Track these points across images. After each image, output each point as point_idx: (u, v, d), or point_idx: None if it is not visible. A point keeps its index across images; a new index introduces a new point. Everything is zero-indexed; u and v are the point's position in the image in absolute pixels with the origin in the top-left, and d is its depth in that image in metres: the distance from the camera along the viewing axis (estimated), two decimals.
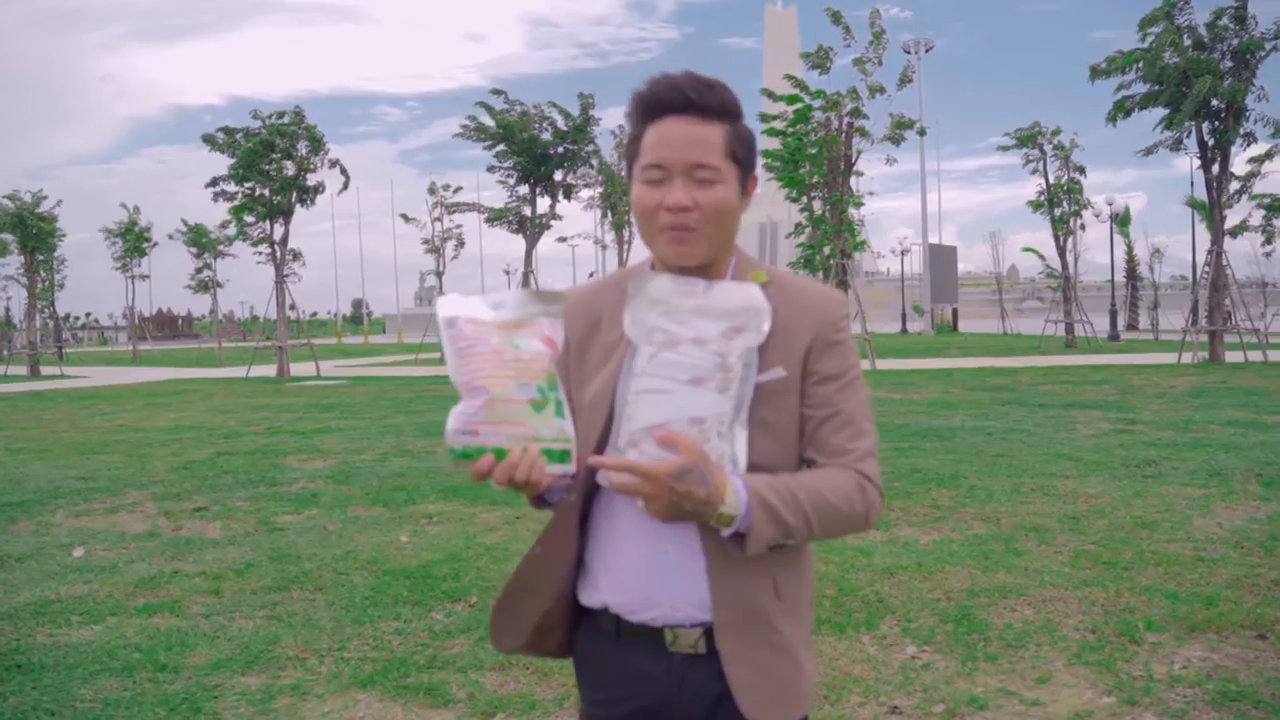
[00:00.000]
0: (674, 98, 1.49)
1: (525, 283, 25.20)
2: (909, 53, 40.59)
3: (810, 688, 1.60)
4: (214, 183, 24.14)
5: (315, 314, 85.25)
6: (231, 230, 26.89)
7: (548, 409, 1.41)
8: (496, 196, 37.03)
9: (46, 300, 33.75)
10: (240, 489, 8.31)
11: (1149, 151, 21.21)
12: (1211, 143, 20.13)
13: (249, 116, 23.91)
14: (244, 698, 3.88)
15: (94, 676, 4.10)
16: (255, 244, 25.16)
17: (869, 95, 21.31)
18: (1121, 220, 41.00)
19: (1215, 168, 20.39)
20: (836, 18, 21.63)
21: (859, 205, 23.03)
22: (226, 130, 23.67)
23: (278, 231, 24.71)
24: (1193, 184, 38.18)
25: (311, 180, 24.43)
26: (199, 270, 43.15)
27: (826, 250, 22.04)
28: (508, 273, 60.78)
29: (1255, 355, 20.62)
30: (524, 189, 26.21)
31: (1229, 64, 19.57)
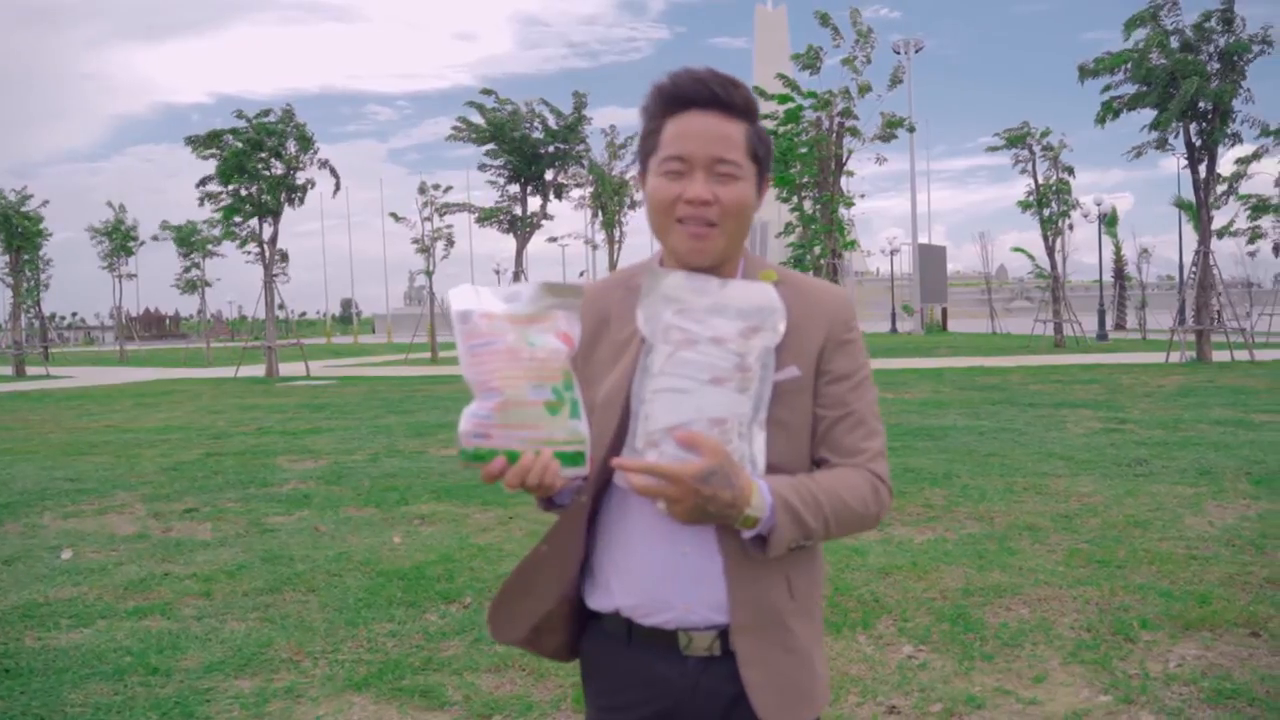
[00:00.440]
0: (699, 91, 1.49)
1: (516, 282, 25.15)
2: (899, 53, 40.69)
3: (823, 689, 1.59)
4: (204, 183, 24.01)
5: (304, 314, 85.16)
6: (220, 230, 26.71)
7: (563, 410, 1.38)
8: (486, 196, 36.99)
9: (32, 300, 33.53)
10: (230, 490, 8.27)
11: (1137, 153, 21.28)
12: (1199, 144, 20.21)
13: (234, 117, 23.78)
14: (237, 701, 3.85)
15: (84, 680, 4.06)
16: (243, 244, 25.05)
17: (859, 94, 21.34)
18: (1109, 221, 41.12)
19: (1202, 169, 20.47)
20: (825, 19, 21.67)
21: (850, 205, 23.06)
22: (213, 133, 23.53)
23: (266, 231, 24.60)
24: (1180, 185, 38.44)
25: (300, 179, 24.34)
26: (186, 270, 42.95)
27: (817, 250, 22.07)
28: (498, 272, 60.64)
29: (1242, 355, 20.72)
30: (515, 188, 26.18)
31: (1216, 65, 19.65)
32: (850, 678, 3.91)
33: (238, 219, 24.34)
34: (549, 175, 26.46)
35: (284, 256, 26.38)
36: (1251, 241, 32.42)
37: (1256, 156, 22.95)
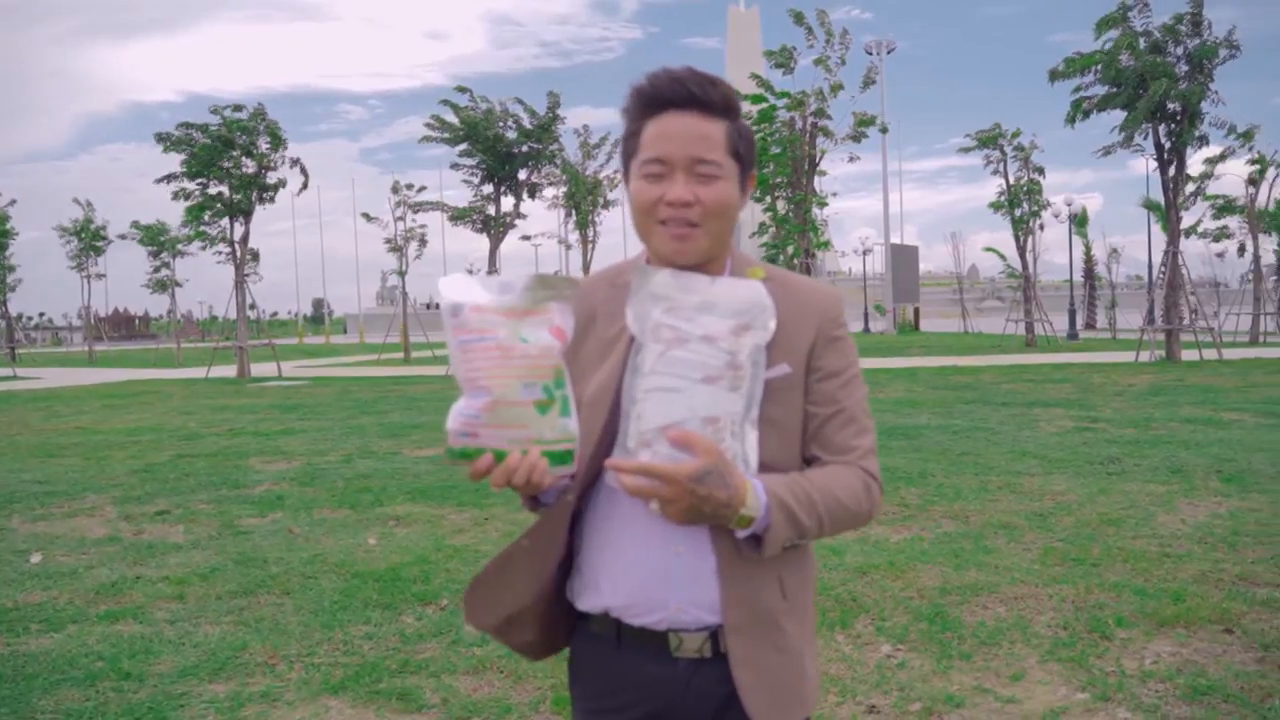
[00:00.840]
0: (677, 92, 1.47)
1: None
2: (870, 53, 40.91)
3: (814, 689, 1.58)
4: (167, 179, 23.73)
5: (275, 314, 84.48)
6: (189, 230, 26.44)
7: (553, 409, 1.36)
8: (459, 195, 36.77)
9: None
10: (203, 491, 8.18)
11: (1106, 152, 21.50)
12: (1168, 145, 20.43)
13: (207, 113, 23.56)
14: (212, 706, 3.80)
15: (55, 686, 4.00)
16: (212, 243, 24.81)
17: (831, 94, 21.43)
18: (1079, 221, 41.53)
19: (1172, 169, 20.69)
20: (799, 18, 21.75)
21: (823, 205, 23.16)
22: (184, 126, 23.29)
23: (237, 231, 24.39)
24: (1149, 185, 38.86)
25: (272, 178, 24.14)
26: (156, 270, 42.49)
27: (790, 250, 22.14)
28: (470, 272, 60.33)
29: (1210, 354, 20.95)
30: (488, 188, 26.06)
31: (1185, 68, 19.87)
32: (829, 677, 3.91)
33: (207, 218, 24.09)
34: (522, 175, 26.34)
35: (255, 256, 26.17)
36: (1217, 241, 32.87)
37: (1223, 157, 23.26)
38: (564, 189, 31.81)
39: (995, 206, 29.70)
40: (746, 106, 21.37)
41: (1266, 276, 32.38)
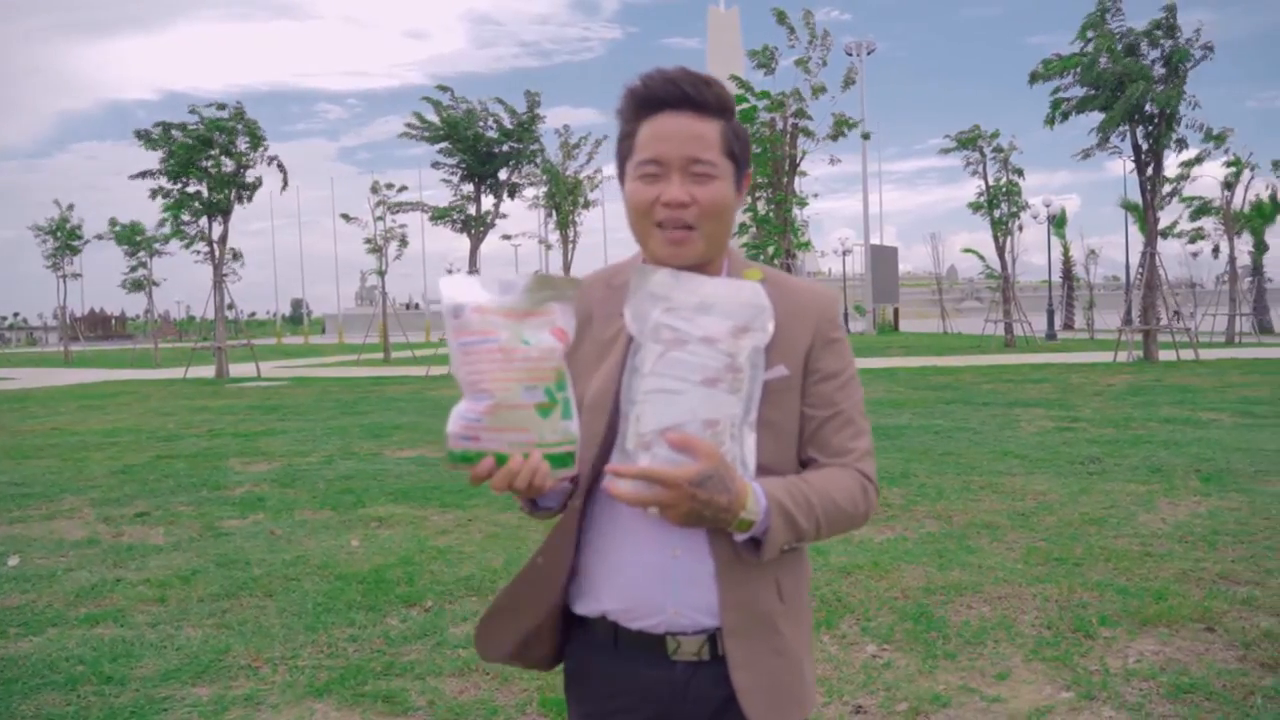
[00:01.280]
0: (671, 92, 1.46)
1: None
2: (850, 54, 41.04)
3: (811, 691, 1.58)
4: (143, 175, 23.53)
5: (254, 314, 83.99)
6: (168, 229, 26.22)
7: (554, 412, 1.35)
8: (438, 195, 36.63)
9: None
10: (182, 493, 8.11)
11: (1085, 155, 21.63)
12: (1145, 147, 20.59)
13: (186, 112, 23.37)
14: (195, 709, 3.77)
15: (35, 691, 3.95)
16: (191, 243, 24.62)
17: (812, 96, 21.47)
18: (1058, 222, 41.82)
19: (1149, 171, 20.85)
20: (781, 17, 21.77)
21: (803, 205, 23.20)
22: (163, 125, 23.11)
23: (216, 230, 24.22)
24: (1125, 187, 39.17)
25: (250, 177, 23.99)
26: (133, 269, 42.14)
27: (770, 250, 22.16)
28: (450, 272, 60.23)
29: (1187, 354, 21.13)
30: (468, 187, 25.97)
31: (1162, 71, 20.03)
32: (816, 677, 3.91)
33: (186, 217, 23.92)
34: (503, 174, 26.27)
35: (236, 255, 26.01)
36: (1194, 242, 33.18)
37: (1199, 160, 23.45)
38: (544, 189, 31.75)
39: (975, 207, 29.86)
40: None
41: (1241, 278, 32.69)
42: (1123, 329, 22.31)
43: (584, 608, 1.57)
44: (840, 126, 22.02)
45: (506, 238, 40.25)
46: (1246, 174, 30.13)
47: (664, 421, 1.37)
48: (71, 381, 24.75)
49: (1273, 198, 33.25)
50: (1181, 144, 20.74)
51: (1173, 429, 10.18)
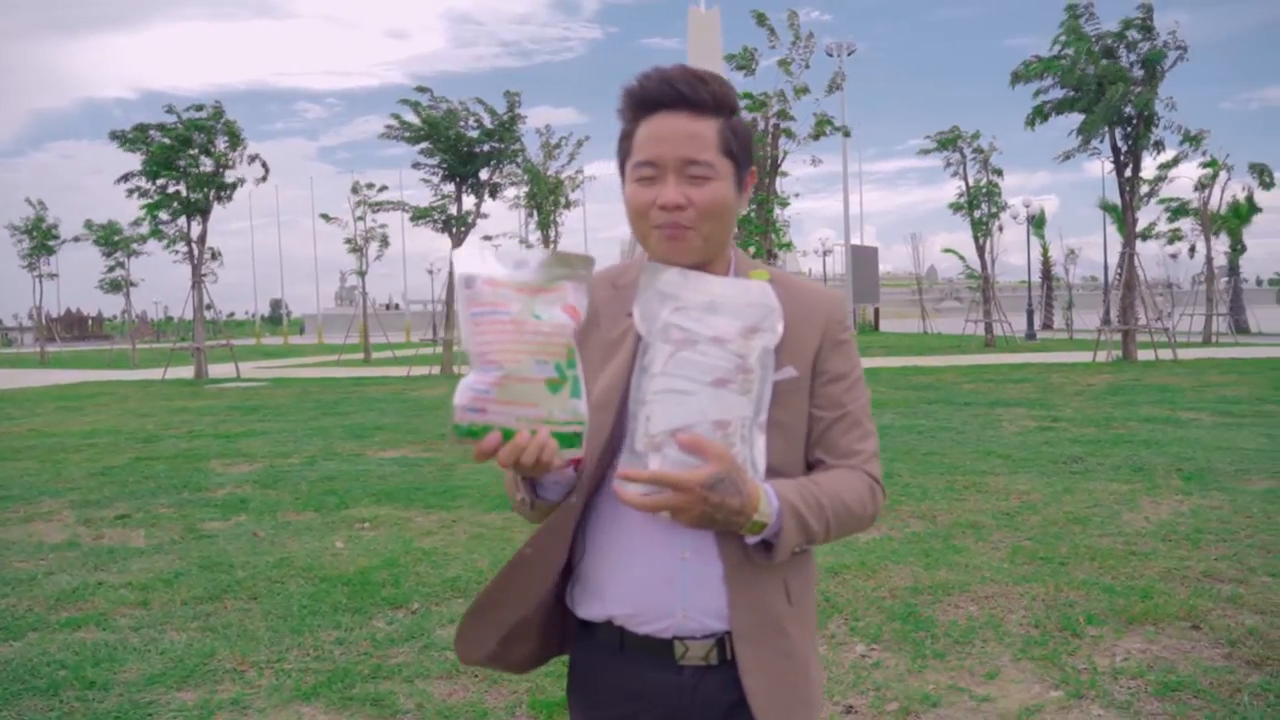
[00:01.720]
0: (666, 92, 1.44)
1: (451, 283, 24.87)
2: (831, 55, 41.07)
3: (819, 694, 1.57)
4: (125, 178, 23.35)
5: (232, 314, 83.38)
6: (145, 229, 26.01)
7: (564, 389, 1.32)
8: (418, 195, 36.48)
9: None
10: (163, 495, 8.04)
11: (1066, 157, 21.78)
12: (1124, 148, 20.73)
13: (163, 111, 23.19)
14: (180, 714, 3.73)
15: (16, 697, 3.90)
16: (171, 243, 24.43)
17: (795, 96, 21.52)
18: (1037, 222, 42.08)
19: (1128, 172, 21.00)
20: (761, 19, 21.79)
21: (785, 205, 23.24)
22: (139, 127, 22.92)
23: (195, 230, 24.04)
24: (1104, 188, 39.43)
25: (230, 177, 23.83)
26: (110, 269, 41.75)
27: (752, 250, 22.18)
28: (430, 272, 60.02)
29: (1165, 354, 21.29)
30: (449, 187, 25.88)
31: (1140, 72, 20.18)
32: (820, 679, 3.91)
33: (165, 216, 23.73)
34: (484, 174, 26.18)
35: (215, 255, 25.84)
36: (1171, 243, 33.46)
37: (1176, 162, 23.64)
38: (525, 189, 31.71)
39: (955, 208, 30.00)
40: None
41: (1217, 278, 32.97)
42: (1102, 329, 22.46)
43: (588, 611, 1.54)
44: (822, 126, 22.08)
45: (487, 238, 40.08)
46: (1223, 175, 30.39)
47: (674, 422, 1.35)
48: (48, 382, 24.49)
49: (1250, 199, 33.54)
50: (1159, 146, 20.90)
51: (1153, 428, 10.25)
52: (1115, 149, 20.80)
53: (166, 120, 23.00)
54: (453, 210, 25.24)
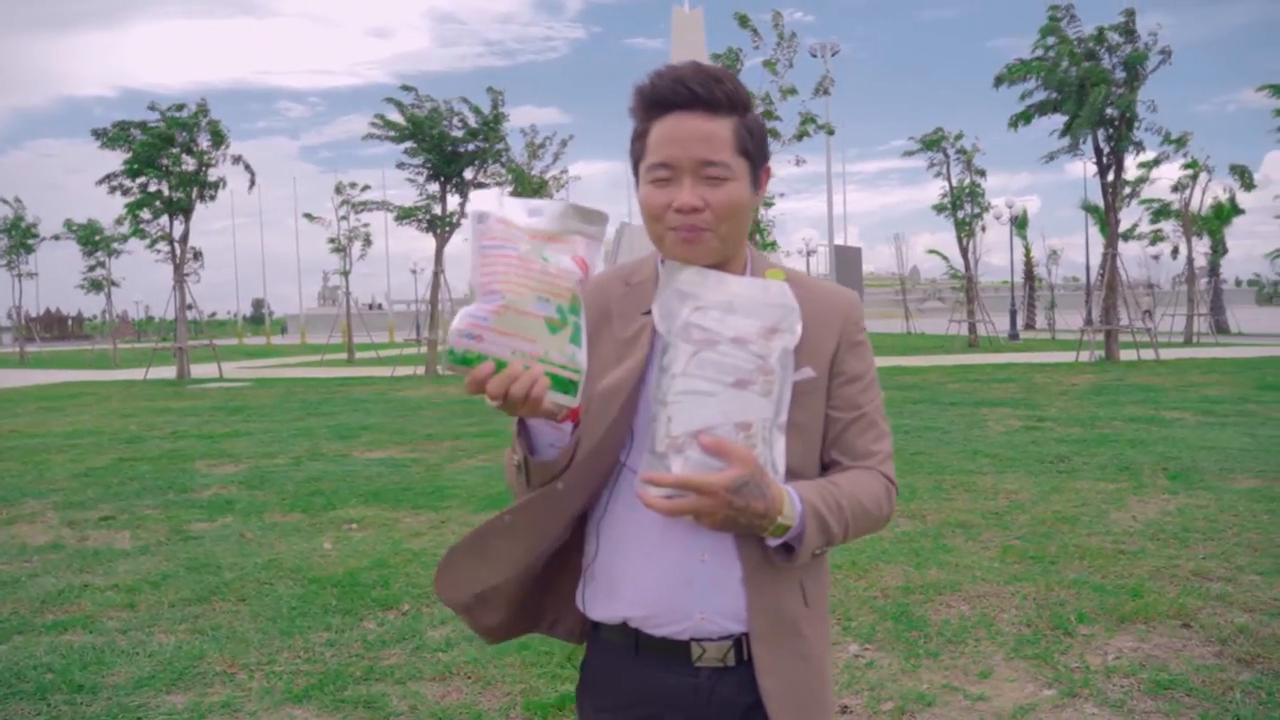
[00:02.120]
0: (679, 92, 1.42)
1: (436, 283, 24.79)
2: (815, 55, 41.15)
3: (832, 696, 1.56)
4: (107, 179, 23.19)
5: (214, 314, 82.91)
6: (126, 228, 25.82)
7: (563, 331, 1.30)
8: (401, 194, 36.34)
9: None
10: (148, 496, 7.97)
11: (1050, 158, 21.90)
12: (1107, 150, 20.86)
13: (145, 109, 23.09)
14: (171, 717, 3.69)
15: (3, 701, 3.85)
16: (153, 243, 24.26)
17: (781, 97, 21.56)
18: (1019, 223, 42.27)
19: (1111, 174, 21.13)
20: (744, 21, 21.84)
21: (769, 205, 23.29)
22: (121, 125, 22.75)
23: (177, 229, 23.88)
24: (1086, 189, 39.64)
25: (213, 176, 23.69)
26: (91, 269, 41.46)
27: None
28: (414, 272, 59.91)
29: (1147, 354, 21.43)
30: (434, 187, 25.81)
31: (1122, 74, 20.30)
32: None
33: (147, 215, 23.56)
34: (468, 174, 26.12)
35: (197, 255, 25.68)
36: (1154, 244, 33.68)
37: (1156, 162, 23.81)
38: (510, 189, 31.64)
39: (939, 208, 30.13)
40: None
41: (1198, 279, 33.21)
42: (1085, 329, 22.58)
43: (602, 613, 1.53)
44: (806, 126, 22.14)
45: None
46: (1203, 176, 30.62)
47: (696, 424, 1.34)
48: (28, 383, 24.29)
49: (1232, 200, 33.80)
50: (1138, 146, 21.04)
51: (1138, 428, 10.31)
52: (1098, 150, 20.92)
53: (149, 118, 22.87)
54: (437, 210, 25.15)
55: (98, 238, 39.99)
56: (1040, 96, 21.08)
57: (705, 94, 1.42)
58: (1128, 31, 20.23)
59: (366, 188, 31.72)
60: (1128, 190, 22.87)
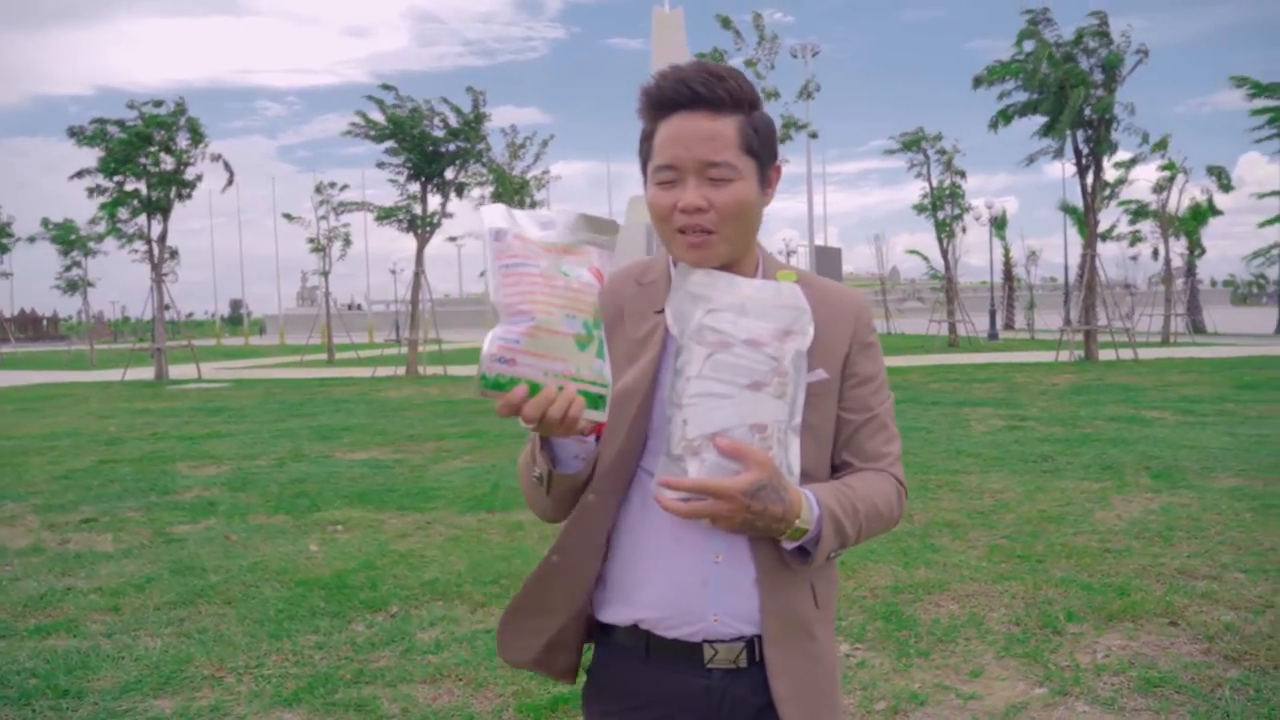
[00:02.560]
0: (682, 92, 1.41)
1: (417, 283, 24.69)
2: (796, 56, 41.24)
3: (841, 697, 1.56)
4: (81, 175, 22.95)
5: (191, 314, 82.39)
6: (102, 227, 25.59)
7: (590, 347, 1.29)
8: (380, 195, 36.22)
9: None
10: (130, 498, 7.89)
11: (1031, 160, 22.03)
12: (1086, 151, 21.00)
13: (122, 107, 22.89)
14: None
15: None
16: (129, 241, 24.05)
17: (764, 99, 21.63)
18: (999, 223, 42.49)
19: (1090, 175, 21.28)
20: (726, 23, 21.89)
21: None
22: (97, 123, 22.54)
23: (155, 229, 23.70)
24: (1064, 189, 39.90)
25: (190, 174, 23.50)
26: (67, 269, 41.11)
27: None
28: (394, 272, 59.68)
29: (1126, 354, 21.59)
30: (414, 186, 25.71)
31: (1100, 76, 20.45)
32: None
33: (124, 214, 23.36)
34: (449, 174, 26.03)
35: (174, 254, 25.47)
36: (1132, 244, 33.95)
37: (1134, 162, 24.00)
38: (491, 189, 31.57)
39: (919, 209, 30.28)
40: None
41: (1175, 279, 33.48)
42: (1064, 329, 22.73)
43: (613, 615, 1.52)
44: (788, 128, 22.19)
45: (452, 239, 39.92)
46: (1180, 178, 30.87)
47: (712, 426, 1.33)
48: (4, 384, 24.03)
49: (1210, 202, 34.10)
50: (1114, 147, 21.18)
51: (1119, 427, 10.38)
52: (1077, 151, 21.07)
53: (126, 116, 22.67)
54: (418, 210, 25.05)
55: (73, 237, 39.66)
56: (1019, 98, 21.22)
57: (708, 93, 1.41)
58: (1101, 33, 20.38)
59: (345, 187, 31.61)
60: (1107, 191, 23.02)
